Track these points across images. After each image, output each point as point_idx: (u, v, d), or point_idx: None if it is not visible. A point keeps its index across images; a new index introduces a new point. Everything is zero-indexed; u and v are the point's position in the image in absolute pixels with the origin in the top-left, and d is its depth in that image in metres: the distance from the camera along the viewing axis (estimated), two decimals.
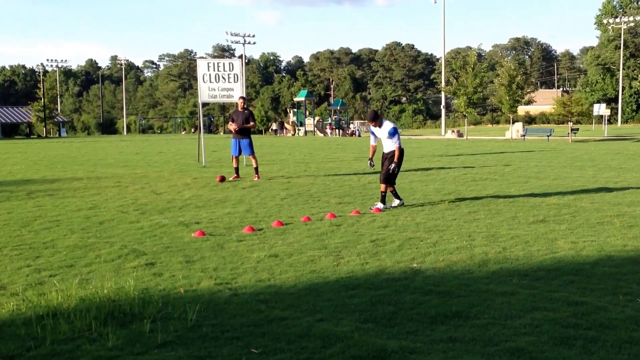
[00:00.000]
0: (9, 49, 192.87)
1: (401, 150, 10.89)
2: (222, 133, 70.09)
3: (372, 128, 11.14)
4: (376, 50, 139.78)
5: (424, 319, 5.17)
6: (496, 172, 17.38)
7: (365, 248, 7.78)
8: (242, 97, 16.59)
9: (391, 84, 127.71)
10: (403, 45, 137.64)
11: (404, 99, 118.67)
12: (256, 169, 15.81)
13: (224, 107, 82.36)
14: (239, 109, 16.00)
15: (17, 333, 4.95)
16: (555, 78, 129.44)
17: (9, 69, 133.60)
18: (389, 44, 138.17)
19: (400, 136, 11.08)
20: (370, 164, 11.52)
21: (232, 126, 15.73)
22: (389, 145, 10.96)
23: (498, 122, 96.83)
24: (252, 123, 15.85)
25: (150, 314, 5.31)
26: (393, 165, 10.78)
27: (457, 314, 5.24)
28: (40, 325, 5.05)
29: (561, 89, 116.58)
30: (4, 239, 8.67)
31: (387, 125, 10.98)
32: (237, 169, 15.92)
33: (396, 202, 11.06)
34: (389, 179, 10.85)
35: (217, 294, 5.96)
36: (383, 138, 11.00)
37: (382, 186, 10.83)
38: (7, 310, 5.52)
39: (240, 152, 15.77)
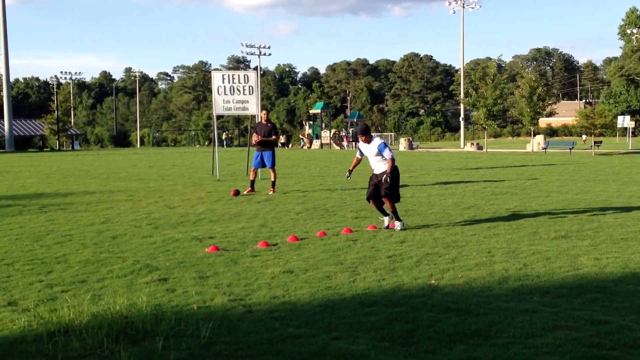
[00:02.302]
0: (22, 62, 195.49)
1: (394, 166, 10.19)
2: (229, 146, 70.19)
3: (361, 144, 10.46)
4: (394, 62, 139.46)
5: (442, 337, 5.03)
6: (517, 185, 17.15)
7: (382, 264, 7.65)
8: (265, 109, 16.60)
9: (409, 95, 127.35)
10: (421, 56, 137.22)
11: (422, 111, 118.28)
12: (273, 182, 15.73)
13: (238, 120, 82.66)
14: (262, 122, 15.98)
15: (28, 350, 4.89)
16: (578, 89, 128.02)
17: (22, 81, 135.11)
18: (407, 54, 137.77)
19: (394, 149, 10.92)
20: (348, 175, 11.14)
21: (255, 138, 15.76)
22: (380, 166, 10.26)
23: (519, 135, 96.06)
24: (273, 137, 15.80)
25: (162, 331, 5.23)
26: (387, 178, 10.03)
27: (477, 333, 5.10)
28: (52, 342, 4.98)
29: (584, 100, 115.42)
30: (16, 253, 8.63)
31: (376, 141, 10.26)
32: (252, 183, 15.83)
33: (386, 220, 10.33)
34: (394, 195, 10.13)
35: (230, 310, 5.86)
36: (371, 156, 10.31)
37: (388, 204, 10.14)
38: (19, 326, 5.46)
39: (262, 165, 15.70)
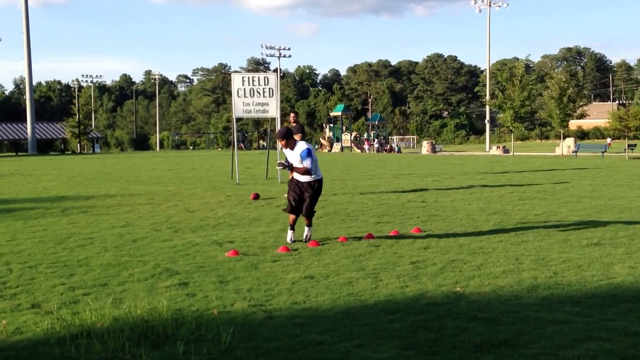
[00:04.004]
0: (45, 65, 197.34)
1: (312, 174, 9.18)
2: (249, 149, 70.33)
3: (284, 150, 9.39)
4: (416, 63, 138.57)
5: (468, 346, 4.91)
6: (546, 190, 16.88)
7: (405, 270, 7.54)
8: (293, 112, 16.59)
9: (432, 97, 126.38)
10: (445, 56, 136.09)
11: (445, 113, 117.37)
12: None
13: (258, 123, 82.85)
14: (292, 124, 15.98)
15: (51, 353, 4.89)
16: (611, 90, 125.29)
17: (44, 84, 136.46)
18: (430, 55, 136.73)
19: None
20: (280, 163, 9.60)
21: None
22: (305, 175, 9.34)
23: (547, 138, 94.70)
24: (299, 135, 15.69)
25: (183, 335, 5.19)
26: (308, 199, 9.30)
27: (504, 343, 4.98)
28: (74, 345, 4.97)
29: (617, 101, 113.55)
30: (39, 256, 8.65)
31: (301, 146, 9.22)
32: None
33: (290, 234, 9.48)
34: (313, 211, 9.48)
35: (251, 316, 5.80)
36: (296, 163, 9.28)
37: (307, 220, 9.44)
38: (42, 329, 5.46)
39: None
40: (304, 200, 9.35)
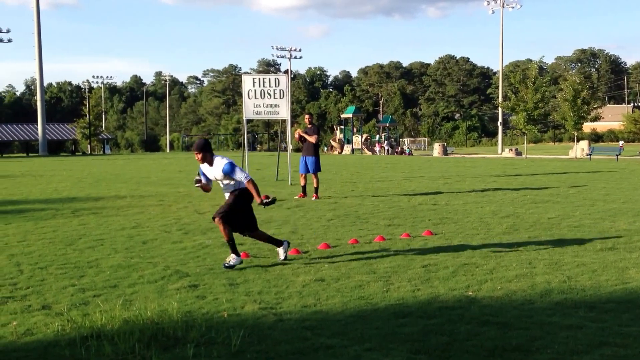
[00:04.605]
0: (55, 66, 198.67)
1: (254, 184, 8.08)
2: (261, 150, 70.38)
3: (202, 166, 8.28)
4: (428, 64, 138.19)
5: (480, 351, 4.86)
6: (559, 193, 16.74)
7: (416, 273, 7.48)
8: (308, 113, 16.58)
9: (444, 99, 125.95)
10: (457, 58, 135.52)
11: (457, 115, 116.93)
12: (316, 188, 15.62)
13: (268, 124, 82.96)
14: (307, 125, 15.97)
15: (62, 354, 4.89)
16: (625, 92, 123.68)
17: (55, 85, 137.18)
18: (442, 57, 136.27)
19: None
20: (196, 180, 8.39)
21: (297, 134, 15.83)
22: (232, 188, 8.17)
23: (561, 140, 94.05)
24: (313, 137, 15.65)
25: (193, 338, 5.17)
26: (235, 200, 8.12)
27: (517, 348, 4.92)
28: (85, 347, 4.97)
29: (632, 104, 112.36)
30: (50, 257, 8.66)
31: (220, 162, 8.05)
32: (304, 188, 15.75)
33: (233, 259, 7.95)
34: (230, 217, 8.02)
35: (261, 319, 5.77)
36: (219, 180, 8.21)
37: (225, 231, 7.95)
38: (52, 330, 5.47)
39: (307, 170, 15.67)
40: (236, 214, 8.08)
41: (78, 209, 14.01)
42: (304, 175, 15.81)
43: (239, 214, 8.09)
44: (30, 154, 70.50)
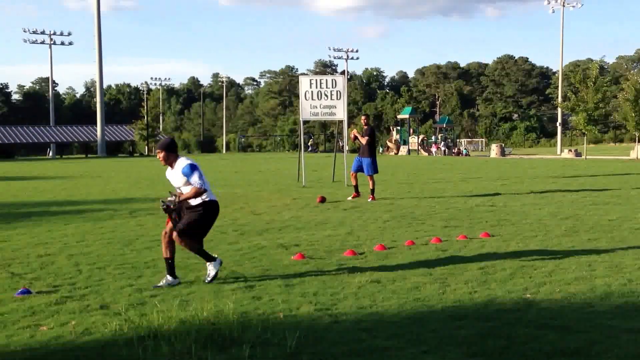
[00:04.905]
0: (114, 68, 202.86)
1: (202, 194, 7.24)
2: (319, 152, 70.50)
3: (168, 171, 7.54)
4: (486, 64, 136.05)
5: (538, 355, 4.74)
6: (620, 195, 16.21)
7: (473, 275, 7.35)
8: (364, 114, 16.55)
9: (502, 99, 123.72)
10: (516, 58, 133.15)
11: (515, 115, 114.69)
12: (372, 190, 15.53)
13: (324, 125, 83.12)
14: (363, 126, 15.96)
15: (119, 354, 4.96)
16: None
17: (114, 87, 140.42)
18: (501, 57, 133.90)
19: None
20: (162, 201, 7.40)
21: (352, 134, 15.85)
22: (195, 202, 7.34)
23: (622, 141, 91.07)
24: (365, 138, 15.59)
25: (249, 339, 5.18)
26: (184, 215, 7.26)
27: (577, 351, 4.77)
28: (142, 347, 5.02)
29: None
30: (108, 257, 8.85)
31: (181, 162, 7.30)
32: (356, 187, 15.68)
33: (211, 270, 7.29)
34: (191, 233, 7.24)
35: (317, 320, 5.75)
36: (180, 184, 7.36)
37: (183, 244, 7.21)
38: (110, 330, 5.55)
39: (358, 170, 15.62)
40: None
41: (135, 209, 14.29)
42: (354, 174, 15.72)
43: (206, 228, 7.47)
44: (89, 155, 72.34)
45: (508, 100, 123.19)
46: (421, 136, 64.82)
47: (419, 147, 61.33)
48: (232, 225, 11.63)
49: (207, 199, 7.36)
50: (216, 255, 7.48)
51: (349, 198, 15.47)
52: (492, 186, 19.06)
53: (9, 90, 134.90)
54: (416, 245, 9.35)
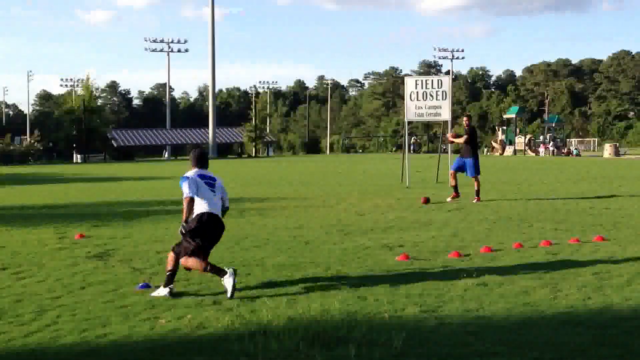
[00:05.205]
0: (225, 72, 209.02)
1: (187, 205, 7.02)
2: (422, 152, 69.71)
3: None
4: (600, 60, 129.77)
5: None
6: None
7: (586, 281, 7.06)
8: (466, 115, 16.29)
9: (617, 97, 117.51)
10: (633, 53, 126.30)
11: (631, 113, 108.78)
12: (477, 191, 15.19)
13: (428, 126, 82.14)
14: (465, 127, 15.73)
15: (232, 348, 5.12)
16: None
17: (225, 91, 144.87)
18: (616, 53, 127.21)
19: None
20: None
21: (449, 137, 15.75)
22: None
23: None
24: (464, 137, 15.33)
25: (355, 338, 5.24)
26: (181, 229, 7.01)
27: None
28: (253, 342, 5.17)
29: None
30: (219, 255, 9.12)
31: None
32: (455, 187, 15.38)
33: (227, 284, 6.80)
34: (187, 250, 7.03)
35: (422, 321, 5.73)
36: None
37: (183, 264, 7.08)
38: (223, 325, 5.74)
39: (459, 170, 15.35)
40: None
41: (245, 209, 14.68)
42: (454, 172, 15.40)
43: (203, 242, 7.14)
44: None
45: (624, 98, 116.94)
46: (528, 136, 62.80)
47: (526, 147, 59.43)
48: (337, 225, 11.73)
49: (200, 212, 7.09)
50: (226, 268, 6.98)
51: (448, 199, 15.19)
52: (605, 188, 18.21)
53: (131, 96, 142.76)
54: (524, 248, 9.09)
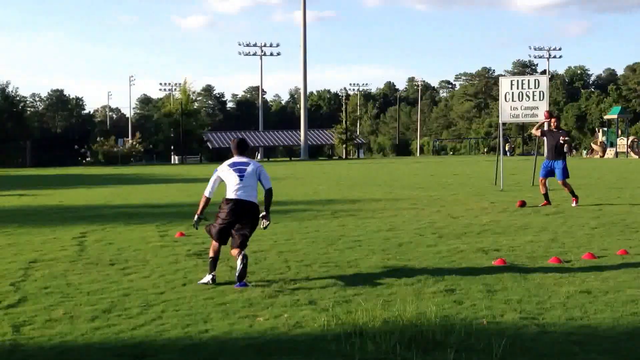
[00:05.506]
0: (316, 75, 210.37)
1: (204, 199, 7.89)
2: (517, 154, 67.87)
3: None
4: None
5: None
6: None
7: None
8: (553, 116, 15.74)
9: None
10: None
11: None
12: (572, 192, 14.60)
13: (522, 127, 79.95)
14: (552, 128, 15.22)
15: (328, 348, 5.16)
16: None
17: (315, 94, 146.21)
18: None
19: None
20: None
21: (536, 131, 15.31)
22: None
23: None
24: (564, 139, 14.77)
25: (453, 343, 5.16)
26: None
27: None
28: (349, 343, 5.19)
29: None
30: (313, 255, 9.24)
31: None
32: (546, 195, 14.83)
33: (205, 278, 7.59)
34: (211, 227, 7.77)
35: (522, 329, 5.58)
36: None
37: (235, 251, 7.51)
38: (319, 324, 5.79)
39: (550, 175, 14.82)
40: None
41: (337, 210, 14.77)
42: (544, 180, 14.83)
43: (219, 222, 7.68)
44: (292, 158, 76.18)
45: None
46: (631, 137, 59.98)
47: (628, 149, 56.78)
48: (430, 228, 11.61)
49: (225, 198, 7.70)
50: (214, 274, 7.53)
51: (540, 205, 14.60)
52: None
53: (224, 99, 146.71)
54: (630, 255, 8.69)
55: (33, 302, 6.83)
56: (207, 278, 7.49)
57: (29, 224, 13.48)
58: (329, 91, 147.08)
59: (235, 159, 7.86)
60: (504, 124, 20.10)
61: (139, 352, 5.21)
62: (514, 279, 7.44)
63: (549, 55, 76.12)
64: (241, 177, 7.65)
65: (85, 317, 6.20)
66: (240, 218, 7.58)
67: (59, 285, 7.59)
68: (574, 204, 14.36)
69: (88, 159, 70.07)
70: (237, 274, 7.27)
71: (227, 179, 7.70)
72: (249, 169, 7.73)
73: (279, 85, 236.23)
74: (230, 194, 7.61)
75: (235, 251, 7.44)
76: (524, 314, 5.99)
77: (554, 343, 5.17)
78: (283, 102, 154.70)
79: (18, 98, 66.03)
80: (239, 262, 7.26)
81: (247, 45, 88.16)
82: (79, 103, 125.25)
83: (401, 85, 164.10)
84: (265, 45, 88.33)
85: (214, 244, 7.59)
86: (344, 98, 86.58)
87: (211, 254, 7.60)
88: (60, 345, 5.42)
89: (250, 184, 7.68)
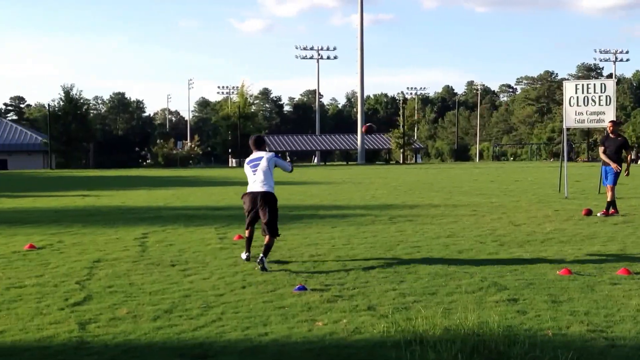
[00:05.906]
0: (373, 79, 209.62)
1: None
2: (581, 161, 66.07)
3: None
4: None
5: None
6: None
7: None
8: (612, 121, 15.20)
9: None
10: None
11: None
12: (612, 203, 14.09)
13: (588, 133, 77.84)
14: (611, 135, 14.72)
15: (388, 355, 5.10)
16: None
17: (372, 97, 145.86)
18: None
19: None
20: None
21: (603, 156, 14.53)
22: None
23: None
24: (625, 153, 14.39)
25: (516, 354, 5.03)
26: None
27: None
28: (409, 351, 5.11)
29: None
30: (371, 261, 9.17)
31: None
32: (613, 203, 14.26)
33: (244, 255, 9.29)
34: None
35: (590, 342, 5.39)
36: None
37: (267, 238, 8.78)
38: (378, 331, 5.74)
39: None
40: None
41: (394, 215, 14.64)
42: (612, 187, 14.31)
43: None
44: (349, 162, 76.16)
45: None
46: None
47: None
48: (491, 236, 11.39)
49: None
50: (248, 254, 9.13)
51: (610, 212, 14.12)
52: None
53: (282, 102, 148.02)
54: None
55: (98, 301, 6.99)
56: (244, 256, 9.11)
57: (92, 224, 13.84)
58: (386, 95, 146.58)
59: (253, 155, 9.07)
60: (567, 129, 19.55)
61: (200, 352, 5.26)
62: (581, 289, 7.21)
63: (616, 58, 74.01)
64: (254, 171, 8.83)
65: (148, 317, 6.31)
66: (256, 205, 8.72)
67: (122, 285, 7.76)
68: (599, 214, 13.82)
69: (148, 161, 71.77)
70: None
71: (246, 174, 8.99)
72: (262, 163, 8.83)
73: (336, 88, 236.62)
74: (249, 187, 8.90)
75: (266, 238, 8.70)
76: (592, 327, 5.80)
77: (624, 357, 4.98)
78: (340, 106, 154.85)
79: (82, 101, 68.08)
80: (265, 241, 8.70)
81: (304, 48, 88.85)
82: (139, 106, 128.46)
83: (460, 89, 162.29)
84: (322, 49, 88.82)
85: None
86: (401, 102, 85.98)
87: (246, 235, 9.14)
88: (124, 344, 5.52)
89: (262, 177, 8.76)
